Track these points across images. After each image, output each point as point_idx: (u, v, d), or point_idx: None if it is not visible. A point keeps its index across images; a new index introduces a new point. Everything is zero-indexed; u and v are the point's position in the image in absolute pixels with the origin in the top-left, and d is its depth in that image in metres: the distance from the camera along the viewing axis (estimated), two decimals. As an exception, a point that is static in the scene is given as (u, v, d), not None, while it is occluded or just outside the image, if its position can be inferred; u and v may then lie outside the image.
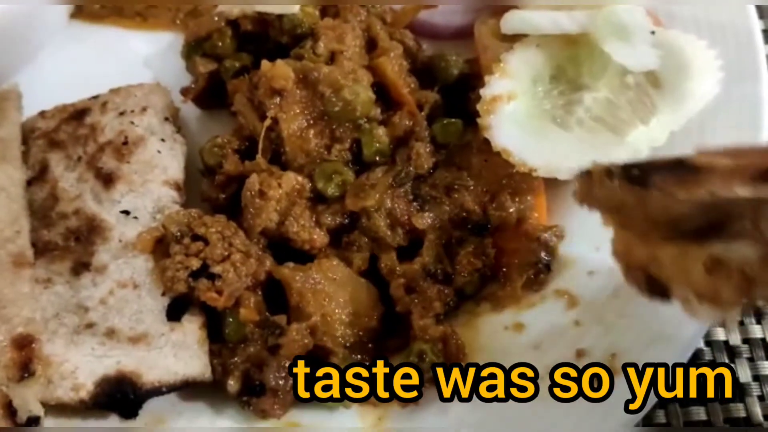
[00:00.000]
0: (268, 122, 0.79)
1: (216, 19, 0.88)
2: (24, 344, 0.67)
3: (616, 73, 0.78)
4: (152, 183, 0.76)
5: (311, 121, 0.80)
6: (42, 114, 0.82)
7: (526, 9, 0.80)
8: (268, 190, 0.76)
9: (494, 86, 0.78)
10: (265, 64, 0.80)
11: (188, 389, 0.71)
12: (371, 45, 0.87)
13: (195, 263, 0.71)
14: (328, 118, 0.79)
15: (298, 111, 0.79)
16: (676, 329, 0.70)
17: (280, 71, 0.79)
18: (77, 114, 0.81)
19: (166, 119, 0.81)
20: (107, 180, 0.76)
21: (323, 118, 0.79)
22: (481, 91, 0.78)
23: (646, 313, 0.71)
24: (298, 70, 0.80)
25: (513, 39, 0.82)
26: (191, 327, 0.71)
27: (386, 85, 0.83)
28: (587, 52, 0.78)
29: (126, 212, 0.75)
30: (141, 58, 0.94)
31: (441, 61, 0.86)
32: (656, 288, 0.61)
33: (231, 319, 0.72)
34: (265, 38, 0.88)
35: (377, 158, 0.79)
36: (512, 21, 0.79)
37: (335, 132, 0.79)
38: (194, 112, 0.91)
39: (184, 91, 0.90)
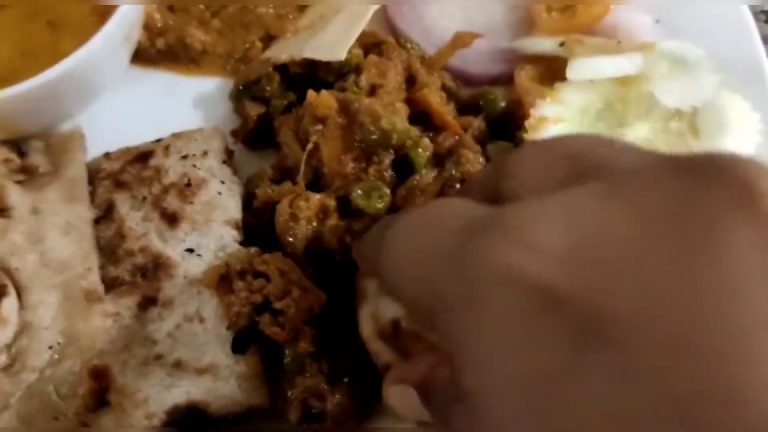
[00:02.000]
0: (310, 146, 0.84)
1: (265, 64, 0.95)
2: (100, 375, 0.72)
3: (661, 117, 0.83)
4: (214, 223, 0.81)
5: (350, 148, 0.85)
6: (107, 155, 0.88)
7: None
8: (299, 212, 0.81)
9: (543, 109, 0.83)
10: (310, 93, 0.85)
11: (250, 418, 0.76)
12: (410, 82, 0.93)
13: (258, 299, 0.76)
14: (365, 145, 0.84)
15: (338, 137, 0.85)
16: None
17: (324, 100, 0.84)
18: (141, 156, 0.86)
19: (224, 162, 0.87)
20: (172, 220, 0.81)
21: (361, 145, 0.84)
22: (531, 111, 0.83)
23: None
24: (340, 100, 0.85)
25: (552, 82, 0.88)
26: (253, 359, 0.75)
27: (430, 113, 0.88)
28: (637, 93, 0.84)
29: (190, 250, 0.80)
30: (192, 101, 1.00)
31: (487, 94, 0.91)
32: None
33: (289, 352, 0.77)
34: (313, 78, 0.93)
35: (426, 169, 0.83)
36: (578, 68, 0.85)
37: (372, 158, 0.84)
38: (243, 151, 0.96)
39: (234, 133, 0.95)
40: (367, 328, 0.68)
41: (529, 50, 0.91)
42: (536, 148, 0.51)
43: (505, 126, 0.89)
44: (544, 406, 0.37)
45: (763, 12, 1.19)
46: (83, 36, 0.81)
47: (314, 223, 0.81)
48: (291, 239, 0.81)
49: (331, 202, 0.82)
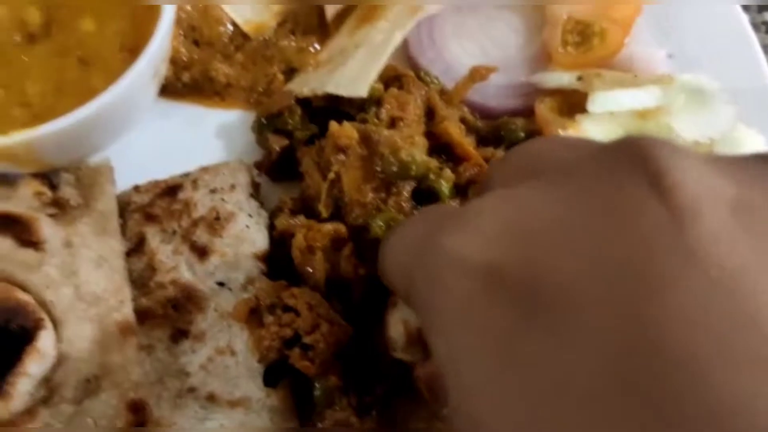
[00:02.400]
0: (331, 176, 0.87)
1: (287, 97, 0.97)
2: (138, 408, 0.74)
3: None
4: (243, 256, 0.83)
5: (370, 178, 0.87)
6: (136, 188, 0.90)
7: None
8: (314, 243, 0.83)
9: None
10: (333, 124, 0.88)
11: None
12: (430, 115, 0.95)
13: (288, 333, 0.78)
14: (385, 176, 0.86)
15: (358, 167, 0.87)
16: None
17: (346, 131, 0.87)
18: (170, 190, 0.88)
19: (251, 195, 0.89)
20: (201, 253, 0.83)
21: (381, 176, 0.86)
22: None
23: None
24: (361, 131, 0.87)
25: (571, 114, 0.90)
26: (284, 392, 0.77)
27: (451, 145, 0.91)
28: (655, 124, 0.87)
29: (221, 283, 0.82)
30: (215, 133, 1.02)
31: (508, 124, 0.94)
32: None
33: (319, 385, 0.78)
34: (334, 111, 0.96)
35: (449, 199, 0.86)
36: (599, 101, 0.88)
37: (391, 188, 0.86)
38: (266, 182, 0.98)
39: (258, 165, 0.97)
40: (396, 331, 0.73)
41: (547, 84, 0.93)
42: (513, 152, 0.58)
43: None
44: (499, 369, 0.41)
45: (764, 23, 1.23)
46: (113, 72, 0.83)
47: (330, 253, 0.83)
48: (310, 270, 0.83)
49: (343, 229, 0.84)
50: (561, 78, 0.92)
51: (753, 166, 0.41)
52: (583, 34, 0.97)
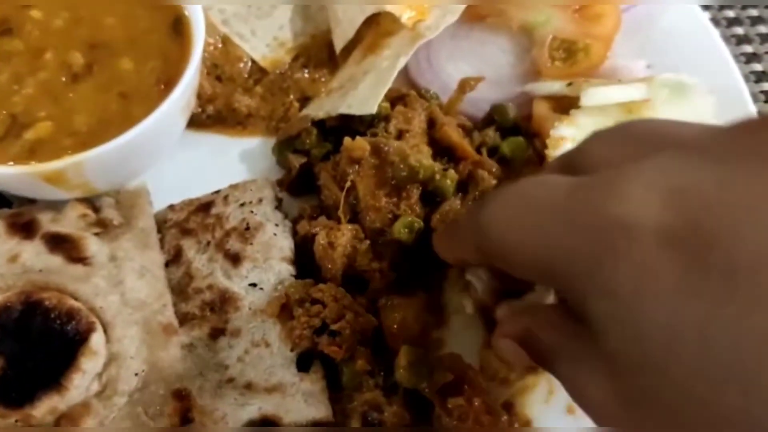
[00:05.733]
0: (348, 185, 0.96)
1: (304, 120, 1.07)
2: (182, 397, 0.81)
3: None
4: (272, 260, 0.92)
5: (382, 185, 0.95)
6: (171, 207, 0.99)
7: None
8: (335, 239, 0.91)
9: (561, 130, 0.96)
10: (347, 140, 0.97)
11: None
12: (431, 126, 1.05)
13: (317, 322, 0.85)
14: (395, 181, 0.95)
15: (371, 176, 0.95)
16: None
17: (359, 144, 0.96)
18: (203, 206, 0.97)
19: (276, 207, 0.98)
20: (235, 259, 0.92)
21: (392, 182, 0.95)
22: (551, 132, 0.96)
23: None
24: (372, 143, 0.96)
25: (567, 110, 0.99)
26: (316, 377, 0.84)
27: (452, 146, 1.00)
28: (641, 116, 0.95)
29: (253, 285, 0.90)
30: (237, 158, 1.11)
31: (499, 106, 1.04)
32: None
33: (347, 370, 0.85)
34: (346, 129, 1.05)
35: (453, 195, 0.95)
36: (590, 95, 0.97)
37: (401, 192, 0.94)
38: (287, 197, 1.06)
39: (280, 182, 1.06)
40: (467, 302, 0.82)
41: (540, 92, 1.03)
42: (603, 134, 0.59)
43: (518, 134, 1.03)
44: (703, 342, 0.42)
45: (734, 36, 1.34)
46: (151, 103, 0.92)
47: (348, 249, 0.91)
48: (329, 265, 0.91)
49: (360, 230, 0.92)
50: (552, 86, 1.02)
51: None
52: (568, 50, 1.08)
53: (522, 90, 1.05)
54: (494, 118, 1.03)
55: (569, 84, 1.00)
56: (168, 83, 0.95)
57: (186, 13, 1.01)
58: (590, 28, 1.09)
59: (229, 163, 1.10)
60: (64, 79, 0.96)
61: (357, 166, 0.95)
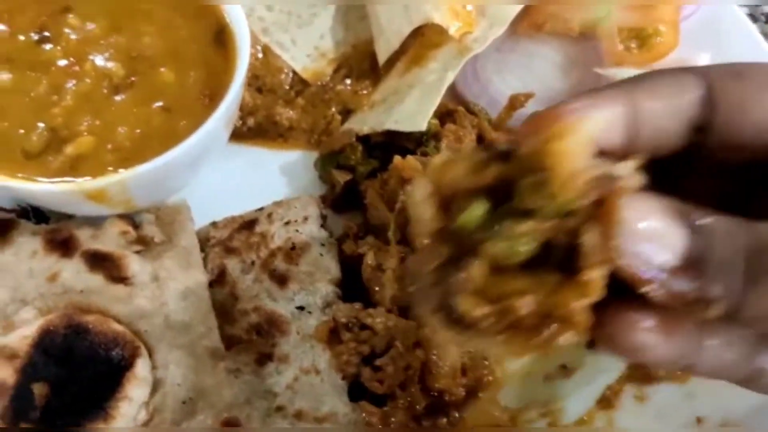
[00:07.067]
0: (399, 206, 0.92)
1: (347, 135, 1.04)
2: (232, 425, 0.78)
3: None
4: (319, 282, 0.89)
5: None
6: (214, 224, 0.96)
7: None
8: (384, 261, 0.88)
9: None
10: (397, 158, 0.95)
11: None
12: (479, 140, 1.02)
13: (366, 349, 0.83)
14: None
15: None
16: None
17: (410, 164, 0.93)
18: (247, 224, 0.94)
19: (322, 225, 0.95)
20: (281, 281, 0.89)
21: None
22: None
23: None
24: (424, 163, 0.93)
25: None
26: (368, 407, 0.81)
27: None
28: None
29: (301, 308, 0.87)
30: (278, 172, 1.08)
31: None
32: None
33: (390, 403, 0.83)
34: (393, 146, 1.02)
35: None
36: None
37: None
38: (330, 214, 1.04)
39: (323, 198, 1.04)
40: None
41: (617, 78, 1.00)
42: None
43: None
44: None
45: (763, 14, 1.31)
46: (196, 117, 0.89)
47: (398, 272, 0.88)
48: (378, 287, 0.88)
49: (410, 252, 0.89)
50: (624, 73, 0.99)
51: None
52: (639, 37, 1.05)
53: (600, 74, 1.03)
54: None
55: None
56: (212, 96, 0.92)
57: (229, 22, 0.97)
58: (653, 14, 1.06)
59: (269, 177, 1.07)
60: (105, 90, 0.92)
61: (408, 187, 0.92)
